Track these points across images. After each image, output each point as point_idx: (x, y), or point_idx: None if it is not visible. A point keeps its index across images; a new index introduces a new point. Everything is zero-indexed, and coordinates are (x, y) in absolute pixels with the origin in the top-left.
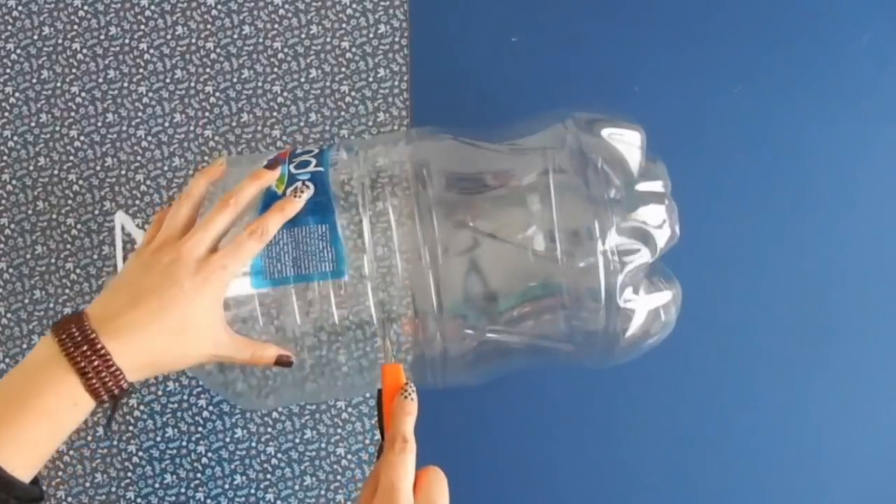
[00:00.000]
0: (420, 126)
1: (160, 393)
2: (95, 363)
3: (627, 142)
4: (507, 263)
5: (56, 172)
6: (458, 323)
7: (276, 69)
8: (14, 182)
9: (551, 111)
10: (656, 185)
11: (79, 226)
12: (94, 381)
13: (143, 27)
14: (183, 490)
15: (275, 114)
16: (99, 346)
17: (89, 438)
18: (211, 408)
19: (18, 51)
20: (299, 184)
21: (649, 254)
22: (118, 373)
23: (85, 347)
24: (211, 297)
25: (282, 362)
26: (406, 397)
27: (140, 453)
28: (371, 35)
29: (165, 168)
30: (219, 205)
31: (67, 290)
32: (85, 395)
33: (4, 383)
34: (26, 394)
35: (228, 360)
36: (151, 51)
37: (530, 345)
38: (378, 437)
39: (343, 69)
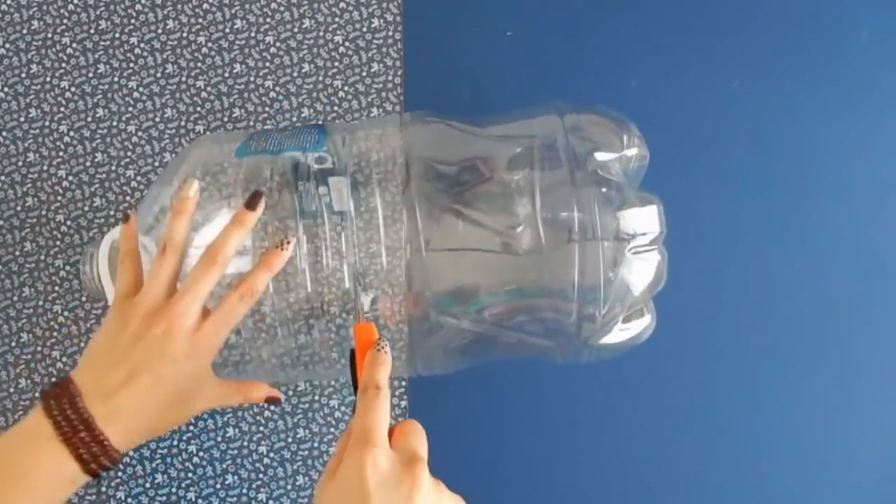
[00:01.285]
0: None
1: None
2: (94, 449)
3: (612, 140)
4: (488, 252)
5: (45, 168)
6: (434, 307)
7: (268, 64)
8: (3, 178)
9: (544, 102)
10: (649, 216)
11: (68, 222)
12: (92, 465)
13: (133, 21)
14: (174, 490)
15: (267, 109)
16: (97, 431)
17: None
18: None
19: (7, 45)
20: (284, 236)
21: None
22: (115, 453)
23: (83, 434)
24: (205, 364)
25: (270, 401)
26: (379, 350)
27: (130, 452)
28: (364, 29)
29: (156, 164)
30: (204, 262)
31: (57, 288)
32: (81, 475)
33: None
34: (20, 471)
35: (221, 407)
36: (142, 45)
37: (509, 334)
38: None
39: (336, 64)
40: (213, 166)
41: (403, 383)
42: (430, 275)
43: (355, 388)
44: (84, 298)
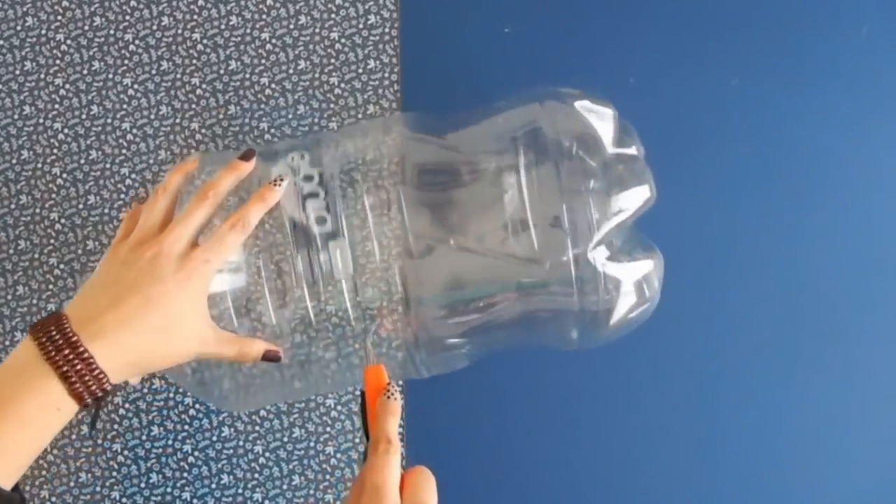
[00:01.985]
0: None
1: (146, 391)
2: (78, 367)
3: (599, 116)
4: (482, 256)
5: (39, 166)
6: (437, 315)
7: (263, 60)
8: None
9: (526, 91)
10: (630, 151)
11: (63, 220)
12: (77, 385)
13: (128, 18)
14: (169, 490)
15: (262, 106)
16: (81, 348)
17: (73, 437)
18: (197, 406)
19: (1, 42)
20: (278, 176)
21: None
22: (101, 375)
23: (67, 351)
24: (195, 292)
25: (269, 357)
26: (389, 397)
27: (125, 452)
28: (360, 26)
29: (151, 161)
30: (197, 197)
31: (51, 286)
32: (68, 400)
33: None
34: (5, 400)
35: (214, 357)
36: (137, 42)
37: (512, 330)
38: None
39: (332, 60)
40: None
41: (400, 381)
42: (428, 279)
43: (366, 430)
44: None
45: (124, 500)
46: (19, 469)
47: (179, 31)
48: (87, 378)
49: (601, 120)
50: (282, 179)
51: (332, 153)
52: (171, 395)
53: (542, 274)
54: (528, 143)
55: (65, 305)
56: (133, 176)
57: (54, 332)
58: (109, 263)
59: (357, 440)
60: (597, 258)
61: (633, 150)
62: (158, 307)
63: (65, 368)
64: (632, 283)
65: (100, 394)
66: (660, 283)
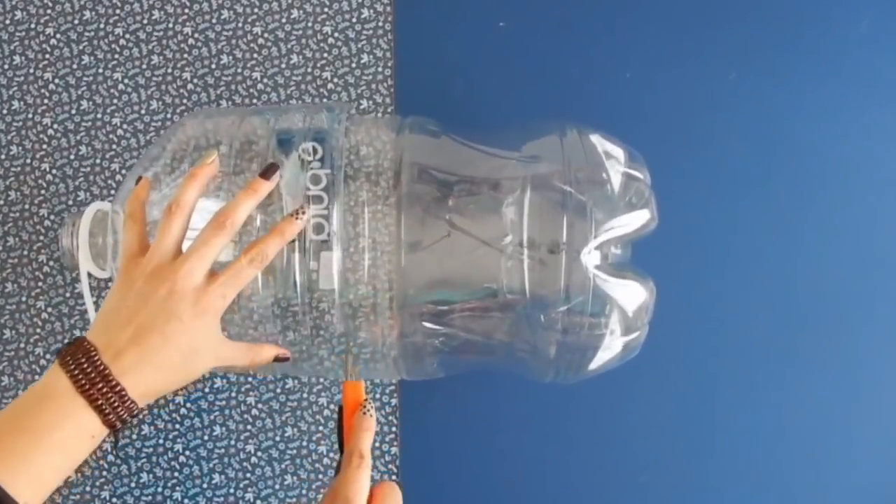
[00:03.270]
0: (405, 114)
1: None
2: (112, 399)
3: (614, 157)
4: (475, 266)
5: (29, 161)
6: (423, 321)
7: (255, 55)
8: None
9: (544, 120)
10: (637, 175)
11: (52, 216)
12: (111, 416)
13: (118, 11)
14: (159, 489)
15: (255, 101)
16: (114, 382)
17: None
18: (189, 405)
19: None
20: (299, 207)
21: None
22: (133, 405)
23: (101, 385)
24: (211, 323)
25: (280, 360)
26: (364, 413)
27: (115, 451)
28: (354, 20)
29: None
30: (213, 225)
31: (40, 283)
32: (101, 428)
33: (13, 416)
34: (40, 428)
35: (229, 370)
36: (127, 36)
37: (494, 348)
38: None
39: (325, 55)
40: (205, 140)
41: (393, 381)
42: (417, 280)
43: (340, 443)
44: (68, 294)
45: (114, 499)
46: (48, 493)
47: (170, 26)
48: (119, 408)
49: (612, 152)
50: (303, 212)
51: (341, 148)
52: None
53: (533, 290)
54: (533, 167)
55: (79, 331)
56: (123, 172)
57: (85, 364)
58: (124, 290)
59: None
60: (588, 264)
61: (639, 175)
62: (177, 344)
63: (100, 402)
64: (621, 304)
65: (129, 420)
66: (649, 315)
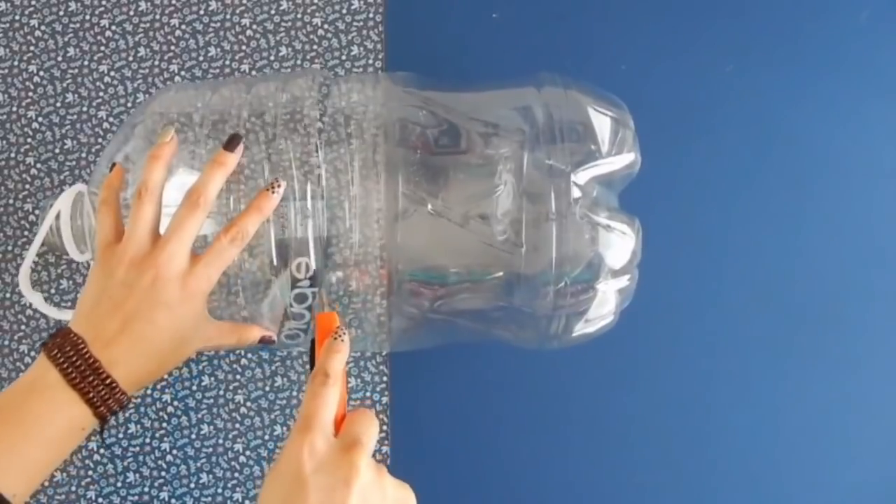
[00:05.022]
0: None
1: None
2: (103, 392)
3: (601, 112)
4: (461, 229)
5: (13, 156)
6: (405, 280)
7: (244, 47)
8: None
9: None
10: (618, 117)
11: (37, 211)
12: (102, 408)
13: (104, 2)
14: (146, 489)
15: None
16: (104, 374)
17: None
18: (176, 403)
19: None
20: (274, 180)
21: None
22: (123, 396)
23: (92, 378)
24: (198, 306)
25: (265, 341)
26: (336, 338)
27: (101, 450)
28: (344, 11)
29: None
30: (186, 205)
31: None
32: (92, 420)
33: (0, 410)
34: (30, 422)
35: (216, 349)
36: (113, 27)
37: (489, 309)
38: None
39: (315, 47)
40: (177, 115)
41: (385, 378)
42: (404, 244)
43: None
44: (53, 291)
45: (100, 499)
46: (38, 485)
47: (157, 17)
48: (109, 400)
49: (597, 110)
50: (279, 185)
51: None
52: (149, 391)
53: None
54: (521, 124)
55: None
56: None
57: (74, 357)
58: (104, 279)
59: None
60: (577, 210)
61: (619, 117)
62: (167, 330)
63: (91, 395)
64: (609, 244)
65: (119, 410)
66: (637, 257)
